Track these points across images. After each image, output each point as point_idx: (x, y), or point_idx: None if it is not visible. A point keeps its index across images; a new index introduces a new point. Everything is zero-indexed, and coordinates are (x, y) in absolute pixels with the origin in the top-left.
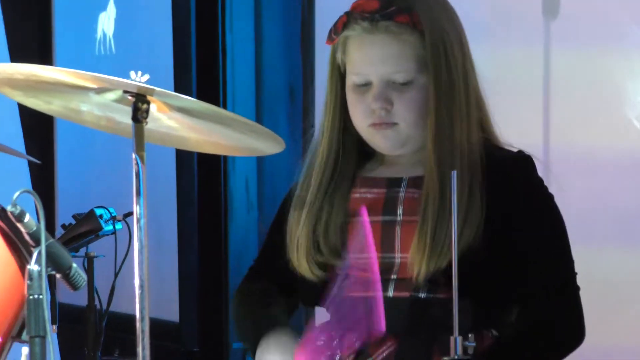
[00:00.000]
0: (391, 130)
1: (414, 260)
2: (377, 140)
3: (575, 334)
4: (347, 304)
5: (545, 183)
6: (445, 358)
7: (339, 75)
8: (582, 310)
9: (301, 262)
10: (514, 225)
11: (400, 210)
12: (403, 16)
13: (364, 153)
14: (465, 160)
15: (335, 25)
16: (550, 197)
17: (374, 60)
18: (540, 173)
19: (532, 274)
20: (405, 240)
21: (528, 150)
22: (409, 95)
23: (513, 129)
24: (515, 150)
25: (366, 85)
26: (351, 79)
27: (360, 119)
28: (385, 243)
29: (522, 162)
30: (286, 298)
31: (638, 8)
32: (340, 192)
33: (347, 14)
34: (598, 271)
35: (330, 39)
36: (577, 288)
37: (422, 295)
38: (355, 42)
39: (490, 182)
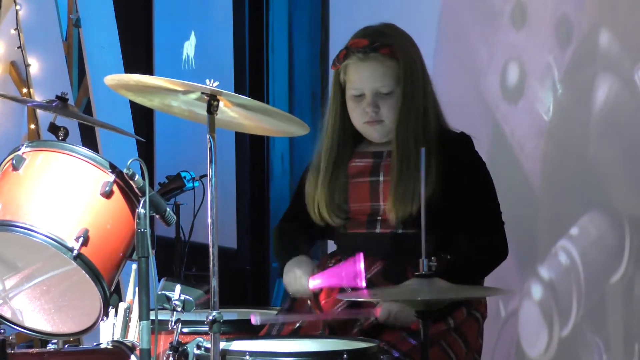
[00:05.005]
0: (379, 125)
1: (387, 207)
2: (369, 132)
3: (502, 252)
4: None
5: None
6: (417, 273)
7: (340, 89)
8: (506, 237)
9: (322, 212)
10: (461, 181)
11: (382, 173)
12: (385, 49)
13: (358, 140)
14: (421, 140)
15: (337, 56)
16: (483, 163)
17: (367, 79)
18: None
19: (474, 213)
20: (385, 193)
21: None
22: (390, 101)
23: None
24: (459, 131)
25: (360, 96)
26: (350, 92)
27: (358, 119)
28: (372, 195)
29: (464, 139)
30: (307, 234)
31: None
32: (343, 164)
33: (346, 48)
34: None
35: (334, 65)
36: (503, 222)
37: (399, 231)
38: (353, 67)
39: (442, 154)
